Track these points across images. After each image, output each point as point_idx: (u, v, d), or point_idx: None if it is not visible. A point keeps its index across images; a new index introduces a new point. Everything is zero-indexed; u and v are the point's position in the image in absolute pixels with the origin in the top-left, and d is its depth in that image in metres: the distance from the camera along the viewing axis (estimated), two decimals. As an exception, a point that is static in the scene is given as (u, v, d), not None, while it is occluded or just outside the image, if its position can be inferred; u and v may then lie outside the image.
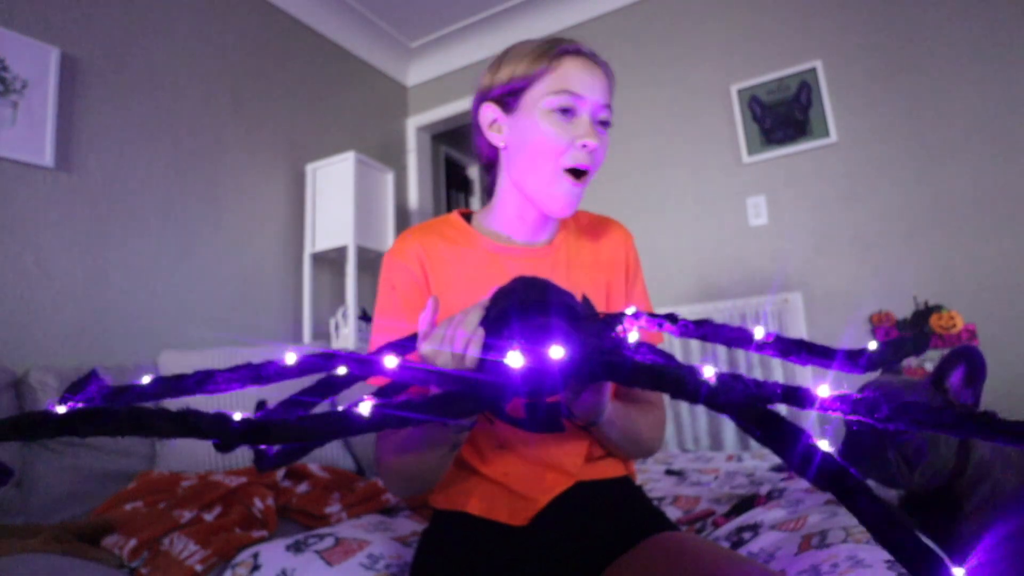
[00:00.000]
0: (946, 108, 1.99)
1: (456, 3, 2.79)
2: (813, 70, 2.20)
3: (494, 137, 0.76)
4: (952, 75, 1.99)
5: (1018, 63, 1.90)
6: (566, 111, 0.69)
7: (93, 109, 1.77)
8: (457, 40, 3.03)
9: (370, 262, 2.66)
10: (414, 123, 3.22)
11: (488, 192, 0.84)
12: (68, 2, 1.75)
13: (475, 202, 4.30)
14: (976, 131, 1.94)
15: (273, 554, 0.95)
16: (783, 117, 2.25)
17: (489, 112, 0.75)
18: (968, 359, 0.76)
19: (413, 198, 3.15)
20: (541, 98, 0.69)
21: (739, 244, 2.29)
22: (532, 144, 0.71)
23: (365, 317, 2.47)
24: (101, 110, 1.80)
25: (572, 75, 0.69)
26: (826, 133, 2.16)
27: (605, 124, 0.73)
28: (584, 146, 0.69)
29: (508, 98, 0.73)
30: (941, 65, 2.01)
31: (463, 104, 3.03)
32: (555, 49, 0.70)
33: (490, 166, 0.82)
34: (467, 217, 0.83)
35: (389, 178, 2.61)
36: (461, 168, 4.31)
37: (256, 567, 0.93)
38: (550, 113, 0.69)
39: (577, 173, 0.71)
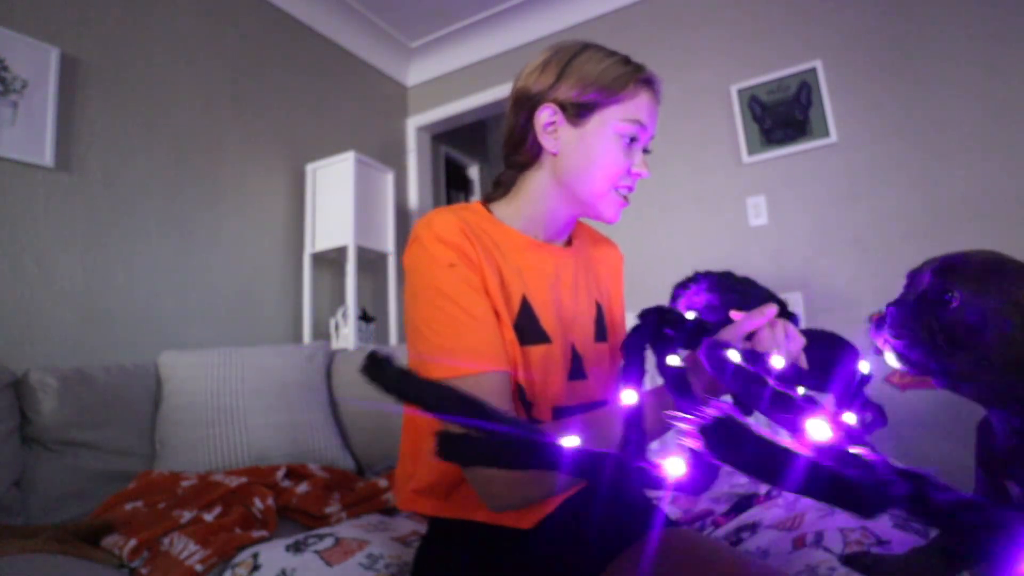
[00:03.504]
0: (946, 108, 1.99)
1: (456, 3, 2.79)
2: (813, 70, 2.20)
3: (548, 140, 0.73)
4: (952, 75, 1.99)
5: (1018, 63, 1.90)
6: (632, 139, 0.72)
7: (93, 109, 1.78)
8: (457, 40, 3.02)
9: (370, 262, 2.66)
10: (414, 123, 3.22)
11: (498, 185, 0.81)
12: (68, 2, 1.75)
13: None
14: (976, 131, 1.94)
15: (273, 554, 0.95)
16: (783, 117, 2.25)
17: (548, 114, 0.73)
18: None
19: (413, 198, 3.16)
20: (613, 121, 0.71)
21: (739, 244, 2.29)
22: (595, 162, 0.72)
23: (365, 317, 2.47)
24: (101, 110, 1.80)
25: (644, 106, 0.72)
26: (826, 133, 2.16)
27: (647, 151, 0.76)
28: (637, 175, 0.74)
29: (577, 109, 0.71)
30: (941, 65, 2.01)
31: (463, 104, 3.03)
32: (637, 77, 0.71)
33: (524, 164, 0.78)
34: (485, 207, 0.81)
35: (389, 178, 2.61)
36: (461, 168, 4.31)
37: (256, 567, 0.93)
38: (618, 138, 0.71)
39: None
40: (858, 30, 2.16)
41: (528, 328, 0.71)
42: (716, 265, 2.29)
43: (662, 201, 2.46)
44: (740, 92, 2.33)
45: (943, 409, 1.84)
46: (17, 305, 1.53)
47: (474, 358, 0.63)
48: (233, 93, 2.26)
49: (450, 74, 3.14)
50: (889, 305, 0.55)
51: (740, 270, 2.26)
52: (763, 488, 1.10)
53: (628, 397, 0.51)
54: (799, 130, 2.22)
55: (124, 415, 1.43)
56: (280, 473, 1.38)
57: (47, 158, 1.62)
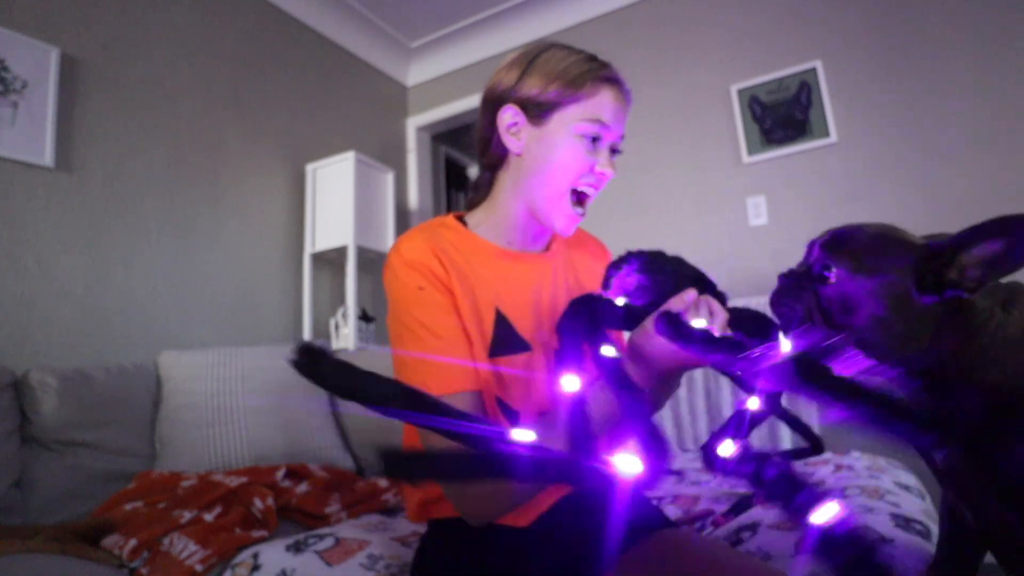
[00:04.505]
0: (946, 108, 1.99)
1: (456, 3, 2.79)
2: (813, 70, 2.20)
3: (511, 141, 0.74)
4: (952, 75, 1.99)
5: (1018, 63, 1.90)
6: (594, 139, 0.71)
7: (93, 109, 1.77)
8: (457, 40, 3.02)
9: (370, 262, 2.66)
10: (414, 123, 3.22)
11: (477, 188, 0.82)
12: (68, 2, 1.75)
13: (475, 202, 4.30)
14: (975, 131, 1.94)
15: (273, 554, 0.95)
16: (783, 117, 2.25)
17: (510, 115, 0.73)
18: (1013, 234, 0.47)
19: (413, 198, 3.15)
20: (574, 121, 0.70)
21: (739, 244, 2.29)
22: (554, 162, 0.71)
23: (365, 317, 2.47)
24: (101, 110, 1.80)
25: (606, 105, 0.71)
26: (826, 133, 2.16)
27: (616, 151, 0.75)
28: (601, 174, 0.72)
29: (538, 109, 0.71)
30: (941, 65, 2.01)
31: (463, 104, 3.03)
32: (598, 75, 0.70)
33: (493, 166, 0.78)
34: (460, 220, 0.82)
35: (389, 178, 2.61)
36: (461, 168, 4.31)
37: (256, 567, 0.93)
38: (580, 138, 0.70)
39: (580, 196, 0.73)
40: (858, 30, 2.16)
41: (505, 338, 0.71)
42: (715, 264, 2.29)
43: (662, 201, 2.46)
44: (740, 92, 2.33)
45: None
46: (17, 305, 1.53)
47: (439, 379, 0.65)
48: (233, 93, 2.25)
49: (450, 74, 3.14)
50: (780, 275, 0.55)
51: (740, 270, 2.27)
52: (763, 488, 1.09)
53: (569, 383, 0.50)
54: (799, 130, 2.22)
55: (124, 415, 1.43)
56: (280, 473, 1.38)
57: (47, 158, 1.62)
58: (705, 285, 0.62)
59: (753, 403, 0.52)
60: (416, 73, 3.24)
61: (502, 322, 0.72)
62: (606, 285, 0.64)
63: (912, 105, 2.04)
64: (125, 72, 1.88)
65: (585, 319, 0.56)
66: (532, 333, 0.73)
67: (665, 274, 0.62)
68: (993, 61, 1.93)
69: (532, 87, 0.71)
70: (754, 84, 2.30)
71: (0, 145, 1.54)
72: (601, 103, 0.70)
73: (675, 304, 0.57)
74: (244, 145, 2.27)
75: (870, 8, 2.15)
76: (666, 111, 2.50)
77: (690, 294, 0.58)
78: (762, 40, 2.33)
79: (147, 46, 1.96)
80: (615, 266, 0.64)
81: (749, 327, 0.60)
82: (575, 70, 0.70)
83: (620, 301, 0.60)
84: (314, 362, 0.33)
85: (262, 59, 2.40)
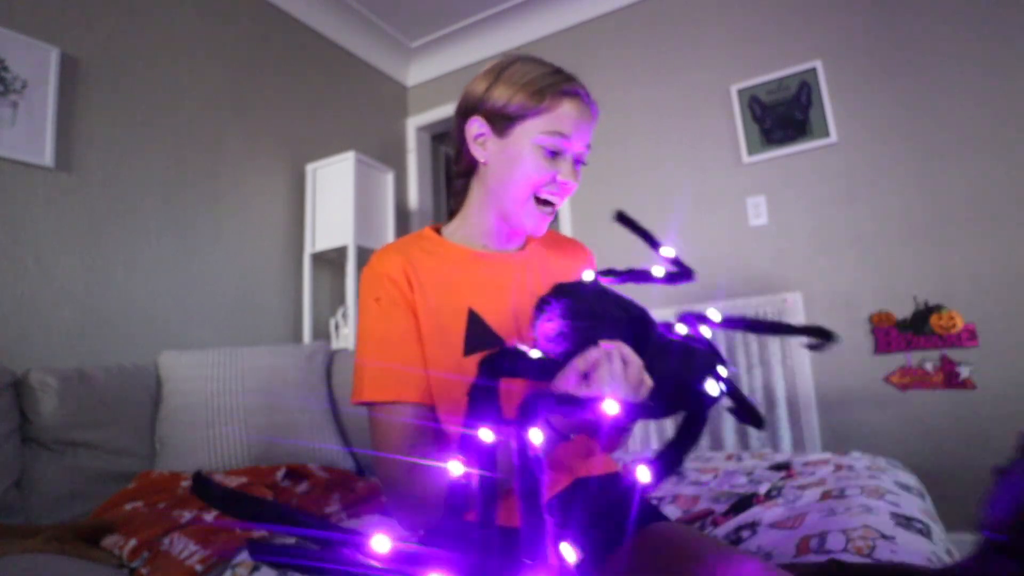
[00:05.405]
0: (946, 108, 1.99)
1: (456, 3, 2.79)
2: (813, 70, 2.20)
3: (477, 151, 0.77)
4: (952, 75, 1.99)
5: (1017, 64, 1.90)
6: (554, 152, 0.73)
7: (93, 109, 1.77)
8: (457, 40, 3.02)
9: (370, 262, 2.66)
10: (414, 123, 3.22)
11: (454, 194, 0.85)
12: (68, 2, 1.75)
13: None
14: (976, 131, 1.94)
15: (273, 554, 0.95)
16: (783, 117, 2.25)
17: (477, 126, 0.76)
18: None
19: (413, 198, 3.15)
20: (534, 132, 0.72)
21: (739, 244, 2.29)
22: (516, 173, 0.73)
23: (365, 317, 2.47)
24: (101, 110, 1.80)
25: (567, 118, 0.72)
26: (826, 133, 2.16)
27: (581, 162, 0.77)
28: (564, 184, 0.74)
29: (501, 120, 0.73)
30: (941, 65, 2.01)
31: (463, 104, 3.02)
32: (558, 89, 0.72)
33: (466, 173, 0.82)
34: (437, 231, 0.84)
35: (389, 178, 2.61)
36: (461, 168, 4.31)
37: (256, 567, 0.93)
38: (539, 149, 0.72)
39: (545, 203, 0.76)
40: (858, 30, 2.16)
41: (481, 337, 0.73)
42: (715, 264, 2.29)
43: (662, 201, 2.46)
44: (740, 92, 2.33)
45: (943, 409, 1.84)
46: (17, 305, 1.53)
47: (377, 387, 0.69)
48: (233, 93, 2.25)
49: (450, 74, 3.14)
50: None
51: (740, 270, 2.27)
52: (762, 488, 1.10)
53: (455, 468, 0.49)
54: (799, 130, 2.22)
55: (124, 415, 1.42)
56: (280, 473, 1.38)
57: (47, 158, 1.62)
58: (631, 322, 0.59)
59: (643, 475, 0.48)
60: (416, 73, 3.24)
61: (476, 321, 0.74)
62: (533, 327, 0.64)
63: (912, 105, 2.04)
64: (125, 72, 1.88)
65: (486, 400, 0.53)
66: (509, 330, 0.75)
67: (583, 319, 0.59)
68: (993, 61, 1.93)
69: (497, 99, 0.73)
70: (754, 84, 2.30)
71: (0, 145, 1.54)
72: (562, 116, 0.72)
73: (579, 365, 0.56)
74: (244, 145, 2.27)
75: (870, 8, 2.15)
76: (666, 111, 2.50)
77: (593, 354, 0.56)
78: (762, 40, 2.33)
79: (147, 46, 1.96)
80: (539, 308, 0.63)
81: (672, 369, 0.58)
82: (538, 83, 0.72)
83: (535, 354, 0.58)
84: (205, 489, 0.41)
85: (262, 59, 2.40)
